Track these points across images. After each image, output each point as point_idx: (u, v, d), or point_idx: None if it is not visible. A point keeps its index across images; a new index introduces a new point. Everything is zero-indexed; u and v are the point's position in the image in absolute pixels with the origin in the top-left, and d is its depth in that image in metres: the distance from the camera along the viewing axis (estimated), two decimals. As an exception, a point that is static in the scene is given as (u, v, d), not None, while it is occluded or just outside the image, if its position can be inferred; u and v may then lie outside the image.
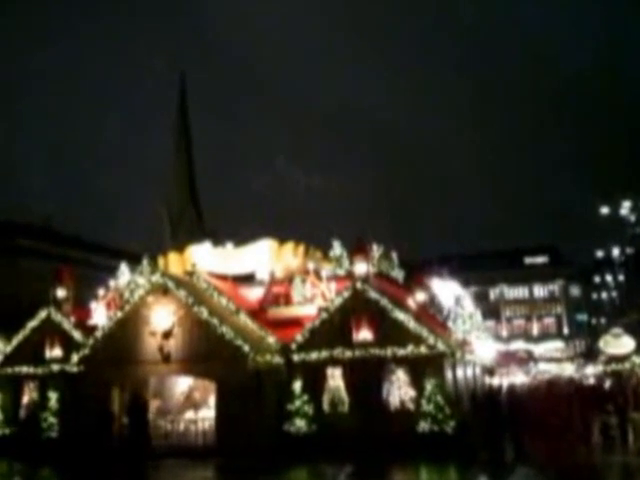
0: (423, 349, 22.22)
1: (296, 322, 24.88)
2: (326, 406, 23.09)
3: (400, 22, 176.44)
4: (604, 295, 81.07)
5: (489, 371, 35.51)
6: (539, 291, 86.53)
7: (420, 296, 27.83)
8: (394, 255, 31.97)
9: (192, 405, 26.23)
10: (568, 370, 63.98)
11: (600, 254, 60.07)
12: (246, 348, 22.73)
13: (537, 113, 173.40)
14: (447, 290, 31.88)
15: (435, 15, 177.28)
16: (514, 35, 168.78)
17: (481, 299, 79.65)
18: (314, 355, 23.34)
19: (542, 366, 70.50)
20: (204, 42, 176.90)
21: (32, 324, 27.20)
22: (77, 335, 26.42)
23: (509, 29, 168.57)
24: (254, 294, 27.29)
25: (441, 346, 22.28)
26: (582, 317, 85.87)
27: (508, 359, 47.29)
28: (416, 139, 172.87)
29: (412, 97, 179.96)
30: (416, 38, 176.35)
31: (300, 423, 22.61)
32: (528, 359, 69.38)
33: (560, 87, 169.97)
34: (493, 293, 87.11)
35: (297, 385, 23.05)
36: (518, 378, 46.71)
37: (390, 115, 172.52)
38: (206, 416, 24.84)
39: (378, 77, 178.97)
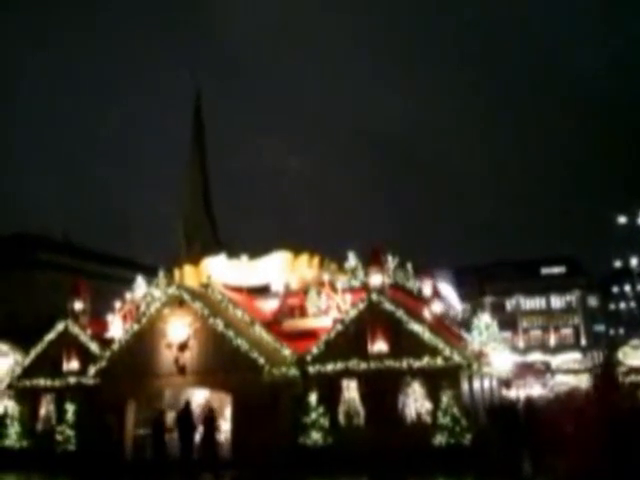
0: (439, 361, 22.10)
1: (311, 334, 24.86)
2: (342, 418, 23.01)
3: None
4: (622, 305, 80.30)
5: (506, 383, 35.23)
6: (556, 302, 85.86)
7: (436, 308, 27.70)
8: (409, 266, 31.84)
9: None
10: (586, 382, 63.26)
11: (618, 264, 59.45)
12: (261, 360, 22.72)
13: (559, 124, 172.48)
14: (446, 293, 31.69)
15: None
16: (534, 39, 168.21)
17: (497, 310, 79.34)
18: (329, 367, 23.28)
19: (559, 378, 69.82)
20: (221, 57, 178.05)
21: (49, 337, 27.38)
22: (94, 348, 26.54)
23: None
24: (269, 306, 27.29)
25: (457, 358, 22.15)
26: (600, 328, 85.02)
27: (525, 371, 46.86)
28: (432, 151, 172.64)
29: (429, 109, 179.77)
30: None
31: (316, 436, 22.53)
32: (545, 371, 68.78)
33: (578, 93, 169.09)
34: (509, 304, 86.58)
35: (312, 397, 22.98)
36: (535, 390, 46.28)
37: (406, 127, 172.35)
38: (222, 428, 24.85)
39: (394, 92, 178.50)
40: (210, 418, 22.57)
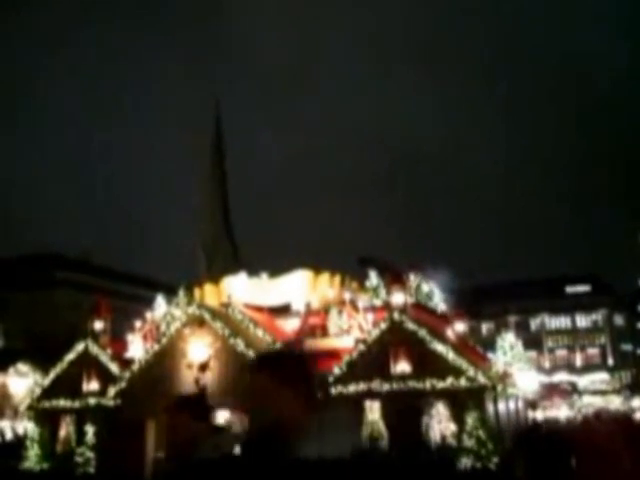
0: (463, 382, 21.64)
1: (333, 354, 24.49)
2: (365, 440, 22.56)
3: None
4: (650, 324, 78.86)
5: (532, 404, 34.53)
6: (582, 321, 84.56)
7: (459, 327, 27.26)
8: (432, 284, 31.47)
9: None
10: (614, 403, 62.08)
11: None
12: (282, 381, 22.38)
13: (581, 137, 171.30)
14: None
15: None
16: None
17: (522, 329, 78.23)
18: (352, 388, 22.90)
19: (587, 399, 68.50)
20: (240, 69, 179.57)
21: (69, 357, 27.25)
22: (114, 368, 26.36)
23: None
24: (290, 325, 26.99)
25: (482, 379, 21.68)
26: (627, 347, 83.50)
27: (551, 392, 46.00)
28: (456, 169, 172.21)
29: (453, 127, 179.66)
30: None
31: None
32: (572, 392, 67.51)
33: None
34: (534, 323, 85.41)
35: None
36: (562, 411, 45.35)
37: (430, 145, 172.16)
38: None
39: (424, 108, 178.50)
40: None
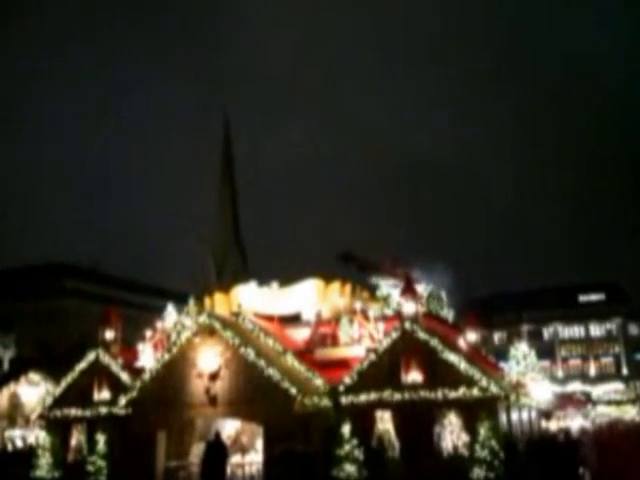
0: (475, 392, 21.48)
1: (343, 363, 24.43)
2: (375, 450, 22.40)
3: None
4: (665, 333, 78.10)
5: (545, 414, 34.19)
6: (596, 330, 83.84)
7: (471, 336, 27.08)
8: (443, 294, 31.30)
9: (239, 449, 25.82)
10: (629, 413, 61.37)
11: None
12: (293, 390, 22.35)
13: (595, 143, 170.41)
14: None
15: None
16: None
17: (535, 338, 77.69)
18: (363, 397, 22.79)
19: (601, 409, 67.80)
20: (249, 80, 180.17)
21: (80, 366, 27.27)
22: (125, 377, 26.36)
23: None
24: (300, 335, 26.93)
25: (494, 388, 21.50)
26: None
27: (565, 402, 45.48)
28: (470, 175, 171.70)
29: (469, 137, 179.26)
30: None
31: (350, 469, 21.89)
32: (586, 402, 66.89)
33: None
34: (547, 332, 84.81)
35: (346, 429, 22.41)
36: (576, 422, 44.85)
37: (444, 152, 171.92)
38: (253, 460, 24.42)
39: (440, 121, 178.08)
40: (217, 445, 21.84)
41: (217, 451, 21.47)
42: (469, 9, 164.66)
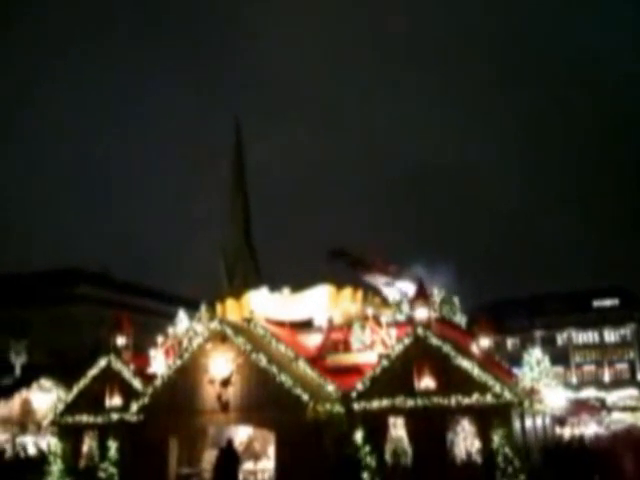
0: (489, 398, 21.25)
1: (355, 369, 24.27)
2: (389, 457, 22.23)
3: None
4: (680, 339, 77.39)
5: (560, 421, 33.88)
6: (610, 335, 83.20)
7: (484, 342, 26.88)
8: (456, 299, 31.10)
9: (251, 456, 25.73)
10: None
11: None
12: (305, 397, 22.23)
13: (609, 149, 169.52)
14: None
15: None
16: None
17: (548, 344, 77.26)
18: (375, 404, 22.60)
19: (616, 415, 67.20)
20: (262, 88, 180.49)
21: (92, 372, 27.21)
22: (136, 383, 26.27)
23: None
24: (312, 341, 26.81)
25: (508, 395, 21.27)
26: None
27: (579, 408, 45.13)
28: (474, 177, 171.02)
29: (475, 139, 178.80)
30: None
31: (363, 476, 21.75)
32: (601, 408, 66.33)
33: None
34: (561, 338, 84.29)
35: (358, 435, 22.29)
36: (590, 428, 44.45)
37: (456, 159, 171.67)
38: (266, 467, 24.33)
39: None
40: (228, 452, 21.80)
41: (229, 458, 21.50)
42: (474, 10, 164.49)
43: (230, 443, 22.08)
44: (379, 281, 31.15)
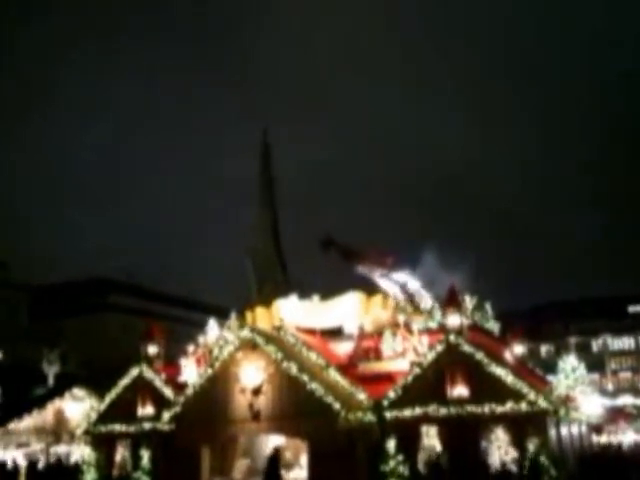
0: (523, 406, 20.86)
1: (387, 377, 24.02)
2: (422, 467, 21.92)
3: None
4: None
5: (596, 429, 33.21)
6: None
7: (518, 349, 26.47)
8: (488, 306, 30.66)
9: (283, 465, 25.57)
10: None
11: None
12: (337, 405, 22.10)
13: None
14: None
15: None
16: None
17: (583, 350, 76.02)
18: (407, 412, 22.32)
19: (653, 422, 65.88)
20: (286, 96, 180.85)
21: (124, 382, 27.34)
22: (168, 393, 26.31)
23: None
24: (343, 349, 26.60)
25: (543, 403, 20.86)
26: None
27: (616, 416, 44.30)
28: (490, 179, 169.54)
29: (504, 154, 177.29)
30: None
31: None
32: (637, 415, 65.10)
33: None
34: (596, 344, 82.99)
35: (391, 444, 22.00)
36: (627, 437, 43.59)
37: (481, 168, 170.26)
38: (298, 477, 24.18)
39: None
40: (273, 458, 21.67)
41: (277, 464, 21.47)
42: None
43: (277, 450, 22.07)
44: (374, 273, 30.63)
